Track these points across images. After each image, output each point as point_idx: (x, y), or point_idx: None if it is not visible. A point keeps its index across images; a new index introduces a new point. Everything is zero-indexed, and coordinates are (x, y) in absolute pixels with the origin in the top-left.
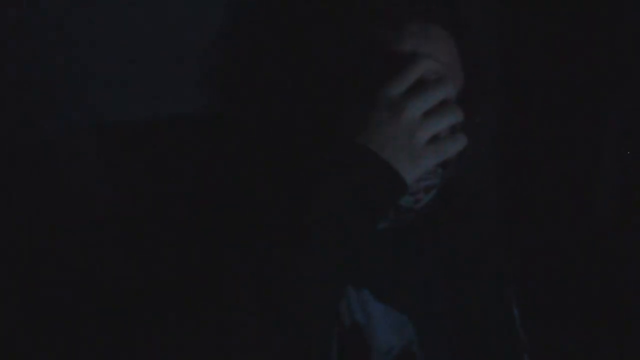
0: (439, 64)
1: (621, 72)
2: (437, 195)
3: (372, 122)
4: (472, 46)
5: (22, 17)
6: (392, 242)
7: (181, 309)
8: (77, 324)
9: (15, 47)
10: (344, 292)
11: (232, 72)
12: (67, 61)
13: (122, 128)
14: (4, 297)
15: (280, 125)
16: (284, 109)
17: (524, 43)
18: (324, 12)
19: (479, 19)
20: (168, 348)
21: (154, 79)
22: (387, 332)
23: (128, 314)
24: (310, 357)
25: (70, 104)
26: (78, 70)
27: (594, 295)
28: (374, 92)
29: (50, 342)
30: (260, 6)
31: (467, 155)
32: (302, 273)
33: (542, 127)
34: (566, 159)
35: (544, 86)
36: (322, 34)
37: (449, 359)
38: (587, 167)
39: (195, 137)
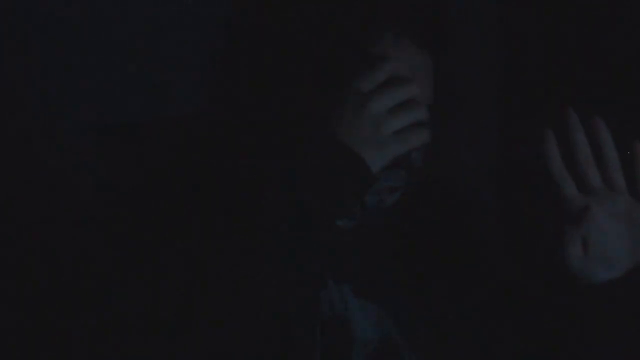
0: (407, 70)
1: (621, 73)
2: (422, 195)
3: (340, 115)
4: (454, 65)
5: (22, 17)
6: (371, 240)
7: (180, 304)
8: (75, 322)
9: (15, 47)
10: (324, 283)
11: (230, 71)
12: (68, 61)
13: (122, 128)
14: (3, 296)
15: (267, 121)
16: (271, 105)
17: (524, 46)
18: (312, 13)
19: (478, 26)
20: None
21: (153, 79)
22: (366, 325)
23: (127, 312)
24: (294, 344)
25: (71, 104)
26: (78, 71)
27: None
28: (345, 89)
29: (51, 341)
30: (254, 8)
31: (463, 160)
32: (262, 256)
33: (541, 129)
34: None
35: (544, 88)
36: (308, 34)
37: (432, 347)
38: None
39: (195, 137)
